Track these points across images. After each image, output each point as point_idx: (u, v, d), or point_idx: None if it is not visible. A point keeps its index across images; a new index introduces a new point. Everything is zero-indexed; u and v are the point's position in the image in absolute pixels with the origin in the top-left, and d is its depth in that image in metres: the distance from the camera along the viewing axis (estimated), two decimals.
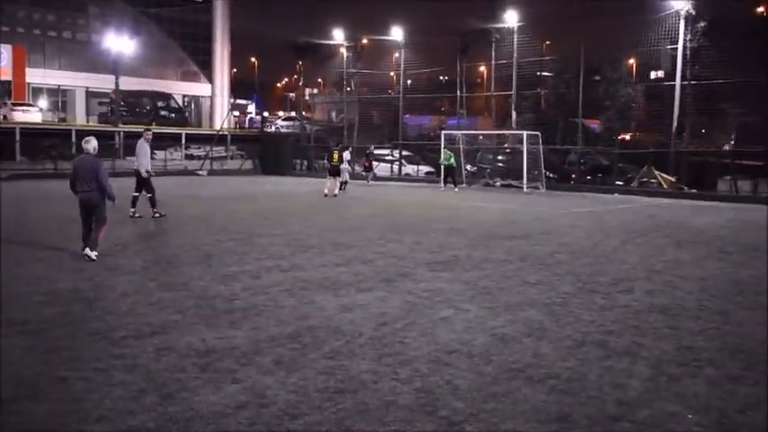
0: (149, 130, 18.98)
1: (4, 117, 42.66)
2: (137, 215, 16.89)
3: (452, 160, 30.98)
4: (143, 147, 17.50)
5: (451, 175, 30.83)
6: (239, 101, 67.39)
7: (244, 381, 5.52)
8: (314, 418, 4.80)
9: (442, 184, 31.04)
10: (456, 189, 29.89)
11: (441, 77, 53.28)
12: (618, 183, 31.30)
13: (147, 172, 17.24)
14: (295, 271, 10.25)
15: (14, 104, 44.51)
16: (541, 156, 30.92)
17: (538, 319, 7.61)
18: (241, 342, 6.57)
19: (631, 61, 36.24)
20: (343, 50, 44.78)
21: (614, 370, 5.94)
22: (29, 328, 7.06)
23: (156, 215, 16.98)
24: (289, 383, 5.47)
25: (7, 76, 49.38)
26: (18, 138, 38.20)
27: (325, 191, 24.71)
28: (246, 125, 59.94)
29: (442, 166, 31.49)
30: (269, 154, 43.37)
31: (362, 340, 6.69)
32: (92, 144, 11.39)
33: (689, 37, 29.69)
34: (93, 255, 10.82)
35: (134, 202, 17.28)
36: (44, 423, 4.73)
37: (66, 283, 9.31)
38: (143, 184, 17.32)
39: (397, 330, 7.06)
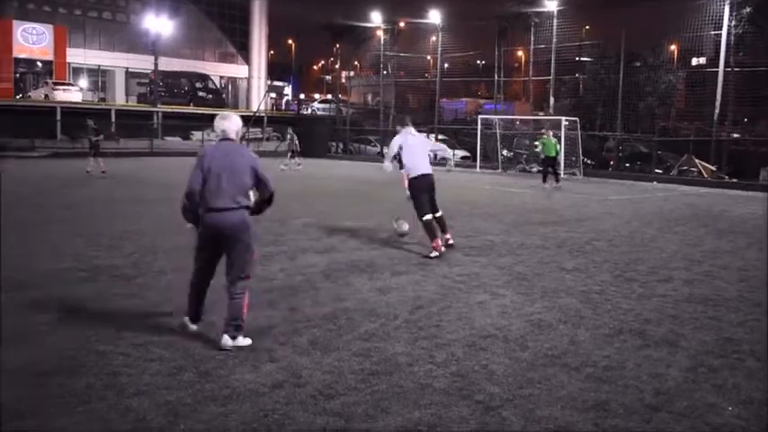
0: None
1: (46, 96, 43.30)
2: None
3: (556, 149, 24.82)
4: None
5: (553, 168, 24.30)
6: (276, 83, 67.54)
7: (280, 360, 5.56)
8: (349, 398, 4.82)
9: (543, 181, 23.93)
10: (558, 185, 23.56)
11: (478, 61, 52.92)
12: (657, 171, 30.87)
13: None
14: (330, 253, 10.27)
15: (55, 84, 45.13)
16: (579, 142, 30.58)
17: (575, 307, 7.54)
18: (278, 322, 6.61)
19: (673, 47, 35.62)
20: (380, 33, 44.62)
21: (652, 359, 5.87)
22: (69, 303, 7.18)
23: None
24: (324, 364, 5.50)
25: (49, 56, 50.06)
26: (59, 117, 38.75)
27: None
28: (283, 107, 60.11)
29: (541, 157, 25.36)
30: (305, 136, 43.47)
31: (398, 323, 6.69)
32: (233, 123, 6.20)
33: (733, 23, 29.07)
34: (245, 341, 5.88)
35: None
36: (82, 396, 4.80)
37: (104, 259, 9.43)
38: None
39: (433, 314, 7.05)
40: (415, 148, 10.81)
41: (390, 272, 9.08)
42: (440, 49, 40.69)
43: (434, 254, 10.17)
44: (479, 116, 35.38)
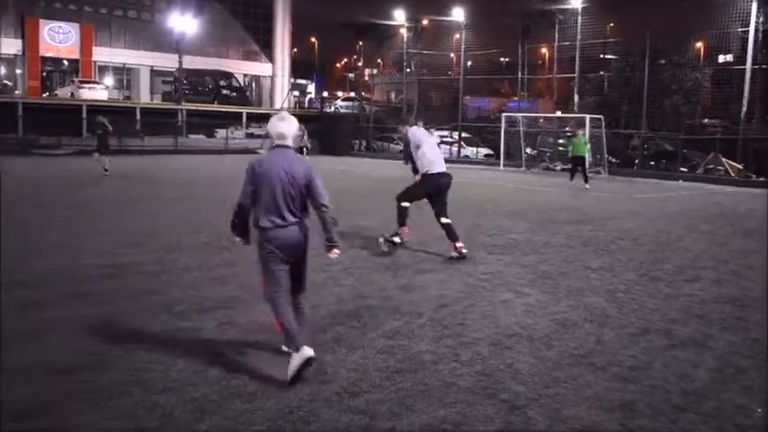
0: None
1: (72, 94, 43.74)
2: None
3: (586, 148, 24.30)
4: None
5: (582, 167, 23.59)
6: (299, 80, 67.75)
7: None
8: (374, 396, 4.82)
9: (570, 178, 23.71)
10: (587, 185, 22.66)
11: (501, 59, 52.74)
12: (682, 169, 30.56)
13: None
14: (354, 250, 10.27)
15: (81, 82, 45.58)
16: (604, 140, 30.35)
17: (600, 306, 7.49)
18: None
19: (699, 44, 35.27)
20: (403, 31, 44.59)
21: (679, 359, 5.82)
22: (95, 299, 7.24)
23: None
24: (349, 361, 5.50)
25: (75, 55, 50.57)
26: (85, 115, 39.12)
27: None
28: (306, 105, 60.28)
29: (570, 155, 24.50)
30: (328, 134, 43.56)
31: (422, 321, 6.68)
32: (291, 127, 5.49)
33: (761, 19, 28.72)
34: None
35: None
36: (108, 392, 4.84)
37: (129, 256, 9.50)
38: None
39: (457, 312, 7.03)
40: (434, 146, 10.68)
41: (414, 270, 9.07)
42: (463, 46, 40.60)
43: (397, 239, 10.45)
44: (503, 114, 35.24)
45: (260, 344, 5.87)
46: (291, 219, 5.30)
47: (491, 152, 36.93)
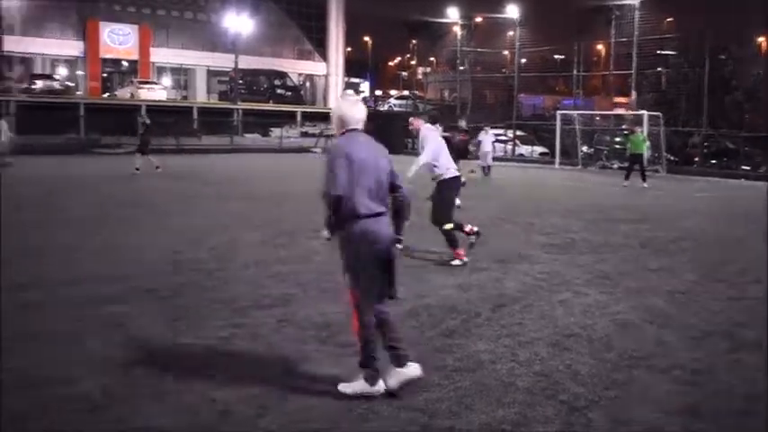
0: None
1: (131, 95, 44.68)
2: None
3: (644, 146, 23.68)
4: None
5: (640, 166, 22.99)
6: (353, 79, 68.06)
7: None
8: (433, 395, 4.80)
9: (625, 178, 22.91)
10: (645, 184, 22.11)
11: (556, 56, 52.19)
12: (744, 168, 29.81)
13: None
14: (408, 249, 10.26)
15: (140, 83, 46.52)
16: (662, 138, 29.79)
17: (660, 307, 7.35)
18: None
19: (761, 39, 34.39)
20: (456, 28, 44.46)
21: (743, 363, 5.67)
22: (156, 295, 7.39)
23: None
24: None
25: (134, 56, 51.63)
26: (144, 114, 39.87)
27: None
28: None
29: (628, 153, 23.97)
30: (382, 132, 43.51)
31: (479, 320, 6.65)
32: (361, 110, 5.00)
33: None
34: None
35: None
36: (169, 387, 4.93)
37: (188, 253, 9.67)
38: None
39: (515, 312, 6.98)
40: (444, 148, 9.82)
41: (470, 268, 9.03)
42: (517, 43, 40.29)
43: (457, 262, 9.26)
44: (558, 112, 34.85)
45: (317, 341, 5.91)
46: (383, 209, 4.84)
47: (546, 151, 36.54)
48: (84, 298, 7.19)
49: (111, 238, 10.80)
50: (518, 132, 39.77)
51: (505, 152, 37.64)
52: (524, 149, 38.82)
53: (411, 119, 10.88)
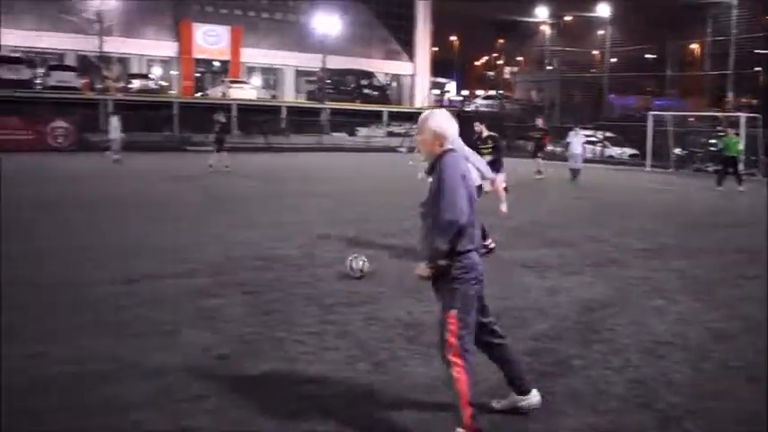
0: None
1: (223, 94, 45.79)
2: None
3: (738, 148, 22.58)
4: None
5: (734, 169, 21.99)
6: (439, 79, 67.99)
7: None
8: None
9: (718, 184, 21.69)
10: (741, 188, 21.25)
11: (647, 56, 50.90)
12: None
13: None
14: (499, 250, 10.19)
15: (231, 82, 47.62)
16: (761, 140, 28.62)
17: (758, 317, 7.05)
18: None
19: None
20: (545, 28, 43.88)
21: None
22: (248, 289, 7.57)
23: None
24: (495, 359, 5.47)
25: (225, 56, 52.89)
26: (235, 113, 40.87)
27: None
28: (446, 103, 60.42)
29: (723, 156, 22.85)
30: (468, 134, 43.25)
31: (569, 324, 6.54)
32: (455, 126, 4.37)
33: None
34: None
35: None
36: (262, 379, 5.04)
37: (279, 249, 9.85)
38: None
39: (606, 317, 6.83)
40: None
41: (559, 272, 8.90)
42: (608, 42, 39.46)
43: None
44: (650, 113, 33.94)
45: (405, 339, 5.93)
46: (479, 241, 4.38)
47: (636, 152, 35.60)
48: (181, 291, 7.45)
49: (204, 233, 11.12)
50: (607, 134, 38.92)
51: (594, 154, 36.84)
52: (614, 151, 37.92)
53: (475, 123, 11.47)
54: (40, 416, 4.42)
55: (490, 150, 12.66)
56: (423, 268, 4.17)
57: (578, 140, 23.99)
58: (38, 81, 41.06)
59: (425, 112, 4.44)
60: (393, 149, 41.29)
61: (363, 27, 58.12)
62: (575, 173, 23.15)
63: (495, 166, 12.37)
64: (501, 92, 52.76)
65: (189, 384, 4.93)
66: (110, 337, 5.90)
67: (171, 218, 12.91)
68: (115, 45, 45.44)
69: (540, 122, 25.81)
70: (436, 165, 4.22)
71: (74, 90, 39.56)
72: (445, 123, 4.31)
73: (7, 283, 7.46)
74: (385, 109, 48.78)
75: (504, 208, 11.69)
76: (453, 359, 4.10)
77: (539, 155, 24.16)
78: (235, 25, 52.94)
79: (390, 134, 45.25)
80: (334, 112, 46.49)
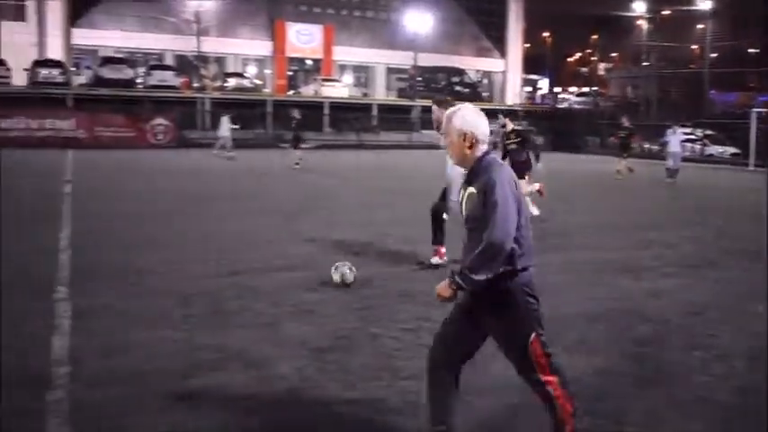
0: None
1: (315, 92, 46.51)
2: None
3: None
4: None
5: None
6: (531, 76, 67.17)
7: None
8: (621, 402, 4.69)
9: None
10: None
11: (750, 50, 48.96)
12: None
13: None
14: (597, 251, 10.04)
15: (324, 80, 48.29)
16: None
17: None
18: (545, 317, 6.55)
19: None
20: (641, 22, 42.78)
21: None
22: (372, 284, 7.74)
23: None
24: (593, 364, 5.40)
25: (318, 55, 53.68)
26: (327, 111, 41.43)
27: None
28: (538, 100, 59.66)
29: None
30: (561, 130, 42.68)
31: (669, 328, 6.40)
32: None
33: None
34: None
35: None
36: (360, 374, 5.14)
37: (374, 245, 10.01)
38: None
39: (708, 321, 6.65)
40: None
41: (658, 273, 8.70)
42: (708, 37, 38.16)
43: (436, 260, 8.67)
44: (753, 109, 32.65)
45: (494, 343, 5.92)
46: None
47: (738, 151, 34.32)
48: (282, 284, 7.67)
49: (300, 228, 11.42)
50: (707, 131, 37.62)
51: (694, 152, 35.66)
52: (714, 150, 36.62)
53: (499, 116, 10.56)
54: (157, 400, 4.64)
55: (516, 146, 12.40)
56: (444, 287, 3.66)
57: (677, 139, 23.23)
58: (139, 80, 42.59)
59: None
60: (494, 146, 40.90)
61: (454, 24, 57.93)
62: (672, 172, 22.41)
63: (525, 165, 12.12)
64: (595, 89, 51.70)
65: (288, 374, 5.07)
66: (216, 327, 6.12)
67: (269, 211, 13.27)
68: (212, 45, 46.75)
69: (625, 121, 25.12)
70: (479, 174, 3.61)
71: (173, 89, 40.89)
72: (473, 119, 3.71)
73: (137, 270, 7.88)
74: (476, 106, 48.48)
75: (533, 210, 11.54)
76: (546, 378, 3.74)
77: (624, 154, 23.54)
78: (327, 24, 53.64)
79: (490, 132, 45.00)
80: (426, 109, 46.48)
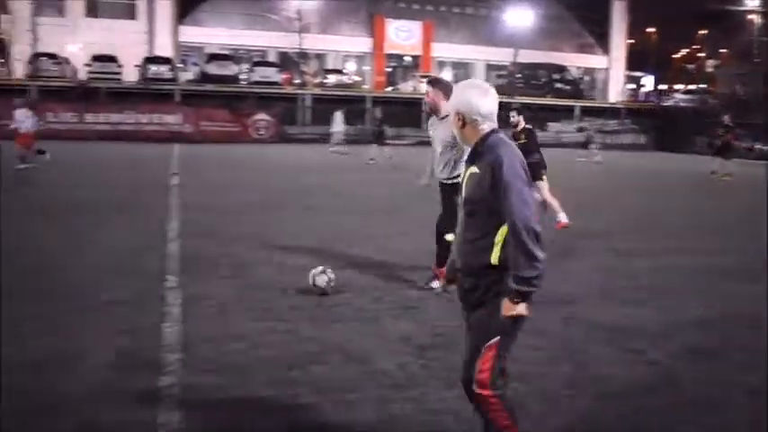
0: None
1: (414, 88, 46.61)
2: None
3: None
4: None
5: None
6: (635, 73, 65.35)
7: (655, 363, 5.41)
8: (735, 416, 4.55)
9: None
10: None
11: None
12: None
13: None
14: (697, 256, 9.71)
15: (422, 76, 48.30)
16: None
17: None
18: (647, 322, 6.41)
19: None
20: (754, 17, 40.99)
21: None
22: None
23: None
24: (703, 371, 5.25)
25: (417, 51, 53.77)
26: (425, 108, 41.40)
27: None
28: (642, 98, 58.04)
29: None
30: (666, 129, 41.30)
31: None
32: (496, 101, 3.54)
33: None
34: None
35: None
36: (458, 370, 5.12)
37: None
38: None
39: None
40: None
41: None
42: None
43: (437, 284, 7.02)
44: None
45: (604, 342, 5.85)
46: None
47: None
48: (383, 280, 7.74)
49: (397, 225, 11.51)
50: None
51: None
52: None
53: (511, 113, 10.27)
54: (262, 388, 4.77)
55: (522, 147, 11.74)
56: (509, 307, 3.41)
57: None
58: (243, 76, 43.64)
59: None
60: (583, 145, 40.18)
61: (555, 20, 56.86)
62: None
63: (539, 166, 10.94)
64: (703, 86, 49.81)
65: (390, 371, 5.12)
66: (318, 320, 6.24)
67: (369, 208, 13.47)
68: (313, 42, 47.45)
69: (726, 119, 24.07)
70: (484, 153, 3.37)
71: (275, 85, 41.71)
72: (467, 97, 3.42)
73: (241, 262, 8.11)
74: (577, 104, 47.53)
75: (563, 219, 11.03)
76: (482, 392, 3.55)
77: (724, 154, 22.60)
78: (426, 20, 53.62)
79: (580, 130, 44.07)
80: (525, 106, 45.91)
